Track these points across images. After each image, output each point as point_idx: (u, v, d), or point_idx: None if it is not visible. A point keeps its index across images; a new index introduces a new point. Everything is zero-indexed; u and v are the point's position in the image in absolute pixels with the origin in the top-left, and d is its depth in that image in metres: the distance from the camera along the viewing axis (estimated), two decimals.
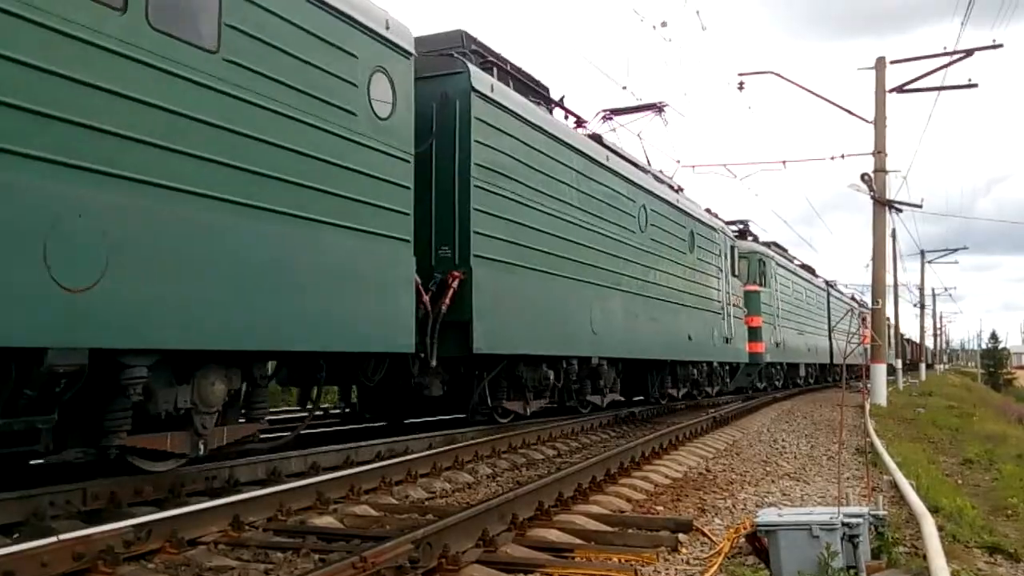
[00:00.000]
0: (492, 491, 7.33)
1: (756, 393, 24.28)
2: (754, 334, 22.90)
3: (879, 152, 21.46)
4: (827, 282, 39.61)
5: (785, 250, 31.13)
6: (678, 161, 21.02)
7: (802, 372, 31.38)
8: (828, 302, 35.80)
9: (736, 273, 24.87)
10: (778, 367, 26.87)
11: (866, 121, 21.72)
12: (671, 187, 18.99)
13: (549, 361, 11.53)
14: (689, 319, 17.45)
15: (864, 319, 45.30)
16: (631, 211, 14.27)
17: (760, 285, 24.34)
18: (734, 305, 22.13)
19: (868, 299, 50.74)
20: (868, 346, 23.66)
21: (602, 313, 12.59)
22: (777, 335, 25.26)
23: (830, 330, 34.77)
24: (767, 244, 27.10)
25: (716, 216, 21.31)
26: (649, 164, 17.47)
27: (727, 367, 21.62)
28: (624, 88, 23.78)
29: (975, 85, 20.96)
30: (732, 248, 22.97)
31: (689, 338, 17.70)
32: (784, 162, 26.96)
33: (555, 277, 11.18)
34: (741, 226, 25.28)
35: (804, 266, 35.02)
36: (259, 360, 7.04)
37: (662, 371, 16.62)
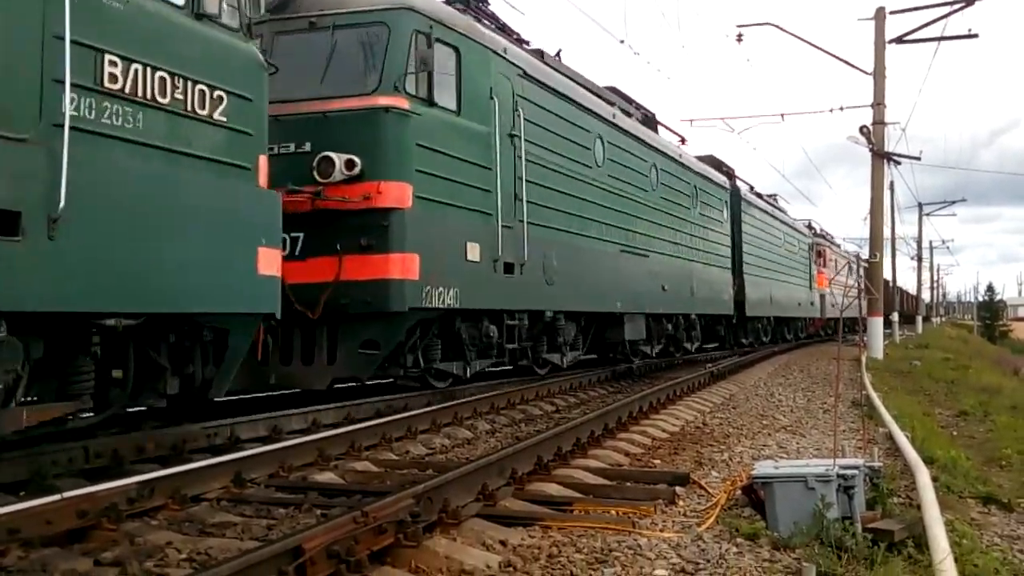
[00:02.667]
0: (491, 446, 7.39)
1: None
2: None
3: (878, 104, 21.32)
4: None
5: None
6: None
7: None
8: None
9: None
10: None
11: (865, 73, 21.56)
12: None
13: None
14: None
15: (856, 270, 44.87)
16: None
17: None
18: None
19: (864, 252, 50.91)
20: (857, 300, 23.64)
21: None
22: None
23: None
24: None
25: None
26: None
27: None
28: (622, 42, 23.43)
29: (975, 35, 20.75)
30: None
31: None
32: (782, 115, 26.56)
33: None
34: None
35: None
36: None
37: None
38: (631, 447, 7.22)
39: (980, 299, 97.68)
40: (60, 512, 4.20)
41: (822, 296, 33.85)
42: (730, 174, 22.57)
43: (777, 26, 21.66)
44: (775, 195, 30.06)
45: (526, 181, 10.37)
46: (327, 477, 5.81)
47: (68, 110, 4.60)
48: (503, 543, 4.22)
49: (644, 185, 14.91)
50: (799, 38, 22.10)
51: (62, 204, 4.51)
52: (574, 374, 12.69)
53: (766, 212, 25.74)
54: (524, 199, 10.28)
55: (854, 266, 43.43)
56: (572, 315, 12.26)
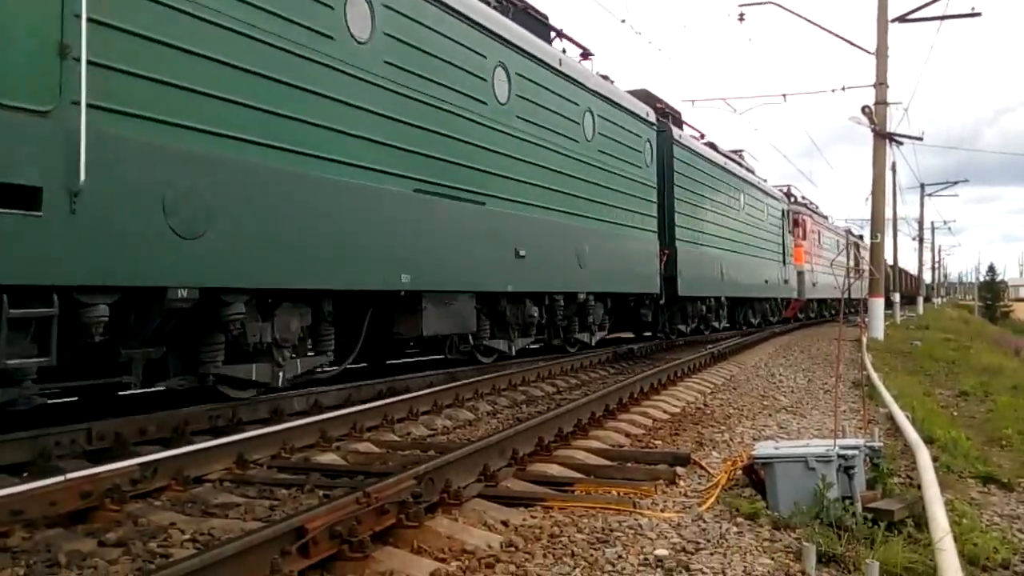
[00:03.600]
0: (493, 427, 7.41)
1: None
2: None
3: (880, 84, 21.22)
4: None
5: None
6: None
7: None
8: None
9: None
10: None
11: (868, 52, 21.44)
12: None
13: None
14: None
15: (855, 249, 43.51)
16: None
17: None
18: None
19: (858, 230, 50.74)
20: (854, 279, 23.84)
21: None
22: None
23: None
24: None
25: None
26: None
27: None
28: (623, 22, 23.26)
29: (978, 14, 20.62)
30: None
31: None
32: (784, 95, 26.46)
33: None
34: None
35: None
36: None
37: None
38: (632, 428, 7.24)
39: (981, 279, 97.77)
40: (63, 493, 4.22)
41: (800, 273, 29.85)
42: (668, 113, 17.63)
43: (779, 5, 21.52)
44: (741, 151, 25.48)
45: None
46: (329, 458, 5.83)
47: None
48: (505, 523, 4.24)
49: (472, 90, 9.77)
50: (801, 17, 21.98)
51: None
52: (576, 357, 12.70)
53: (716, 166, 19.98)
54: None
55: (840, 241, 39.54)
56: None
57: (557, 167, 11.77)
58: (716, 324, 20.85)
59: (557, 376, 11.17)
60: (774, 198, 26.85)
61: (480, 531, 4.08)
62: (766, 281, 24.66)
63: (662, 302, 16.20)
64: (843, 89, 24.43)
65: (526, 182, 10.84)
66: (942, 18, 21.11)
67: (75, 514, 4.25)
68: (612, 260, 13.48)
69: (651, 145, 15.59)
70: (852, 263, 42.38)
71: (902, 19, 21.26)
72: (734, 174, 21.77)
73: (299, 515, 3.52)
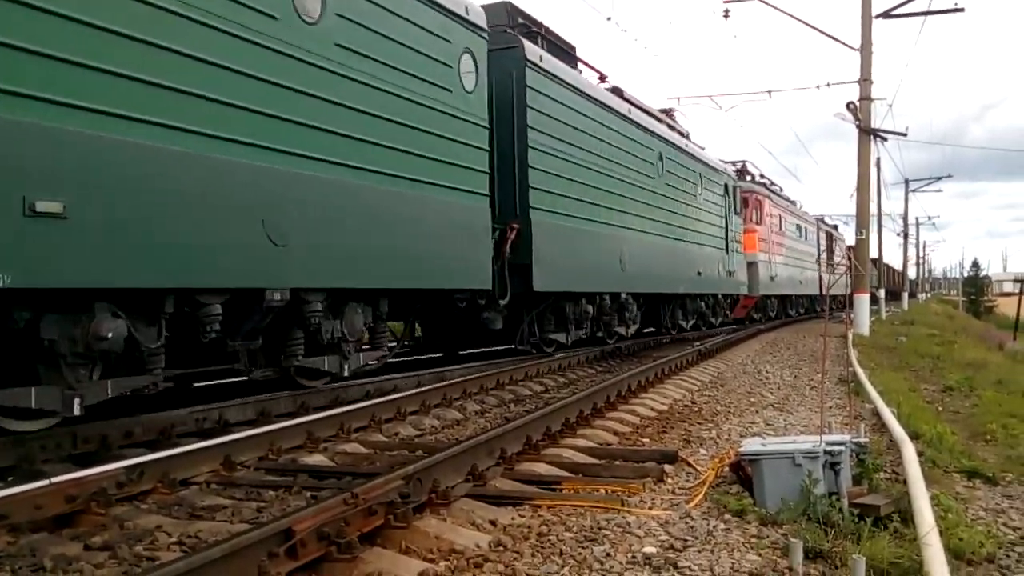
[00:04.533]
0: (481, 427, 7.41)
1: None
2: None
3: (865, 79, 21.34)
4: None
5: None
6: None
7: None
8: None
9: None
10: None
11: (852, 48, 21.55)
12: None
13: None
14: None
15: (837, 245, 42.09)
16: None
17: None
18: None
19: (841, 225, 50.28)
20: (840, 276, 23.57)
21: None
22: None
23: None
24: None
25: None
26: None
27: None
28: (608, 19, 23.33)
29: (961, 9, 20.75)
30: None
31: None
32: (770, 92, 26.51)
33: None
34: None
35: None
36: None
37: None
38: (620, 426, 7.25)
39: (965, 275, 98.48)
40: (49, 497, 4.20)
41: (753, 265, 24.63)
42: (538, 34, 12.49)
43: (764, 1, 21.58)
44: (671, 110, 20.50)
45: None
46: (317, 459, 5.81)
47: None
48: (493, 523, 4.24)
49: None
50: (786, 13, 22.04)
51: None
52: (564, 356, 12.72)
53: (612, 112, 14.24)
54: None
55: (810, 230, 36.93)
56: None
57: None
58: (622, 330, 15.32)
59: (545, 375, 11.18)
60: (714, 170, 20.97)
61: (468, 531, 4.07)
62: (699, 273, 18.70)
63: (504, 302, 10.90)
64: (828, 85, 24.57)
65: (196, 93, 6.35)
66: (926, 13, 21.25)
67: (60, 518, 4.22)
68: (416, 238, 8.74)
69: (475, 62, 10.07)
70: (826, 254, 40.65)
71: (886, 15, 21.38)
72: (648, 131, 15.97)
73: (287, 517, 3.51)
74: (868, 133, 21.49)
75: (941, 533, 3.96)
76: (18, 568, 3.56)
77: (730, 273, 21.85)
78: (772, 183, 30.95)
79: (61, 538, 4.01)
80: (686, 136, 19.70)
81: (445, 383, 8.96)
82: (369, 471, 5.17)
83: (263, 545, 3.24)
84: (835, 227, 48.02)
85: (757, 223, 25.86)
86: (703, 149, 20.92)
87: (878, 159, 39.31)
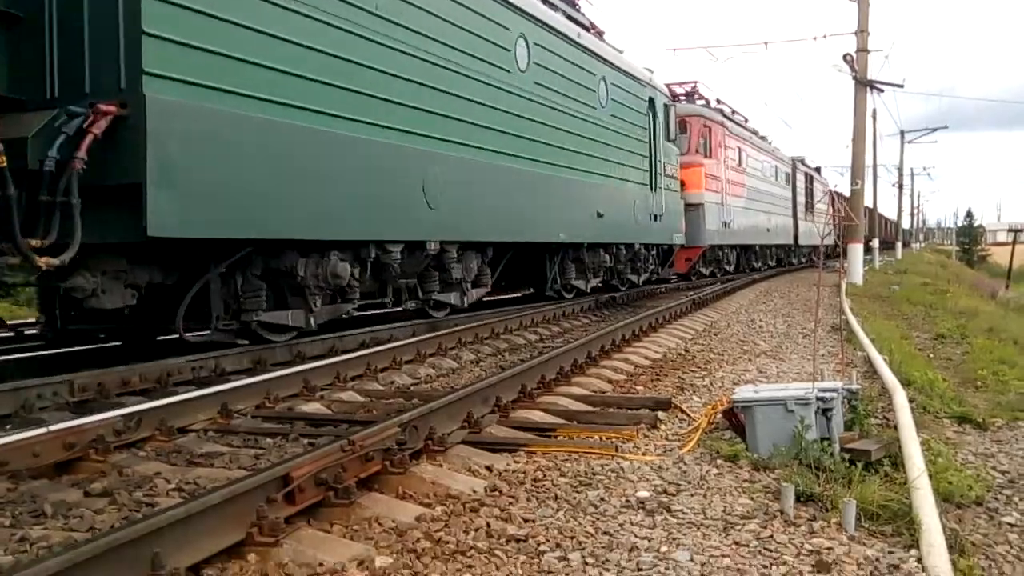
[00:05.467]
0: (476, 375, 7.45)
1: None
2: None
3: (862, 31, 21.15)
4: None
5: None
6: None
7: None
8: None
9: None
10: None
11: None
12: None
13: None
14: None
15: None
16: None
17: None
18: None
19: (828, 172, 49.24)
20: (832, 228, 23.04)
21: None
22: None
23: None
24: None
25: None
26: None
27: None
28: None
29: None
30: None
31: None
32: (766, 43, 26.38)
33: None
34: None
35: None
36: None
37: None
38: (614, 374, 7.30)
39: (959, 225, 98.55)
40: (47, 445, 4.23)
41: (698, 207, 19.64)
42: None
43: None
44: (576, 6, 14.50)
45: None
46: (313, 407, 5.85)
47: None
48: (489, 468, 4.28)
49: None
50: None
51: None
52: (559, 304, 12.75)
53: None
54: None
55: (782, 170, 31.55)
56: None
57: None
58: (450, 297, 10.73)
59: (540, 324, 11.21)
60: (630, 77, 15.70)
61: (464, 476, 4.12)
62: (599, 215, 13.80)
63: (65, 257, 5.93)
64: (824, 37, 24.29)
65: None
66: None
67: (59, 465, 4.26)
68: None
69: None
70: (804, 200, 36.30)
71: None
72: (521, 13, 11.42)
73: (284, 463, 3.54)
74: (864, 85, 21.34)
75: (931, 477, 4.03)
76: (19, 514, 3.60)
77: (655, 217, 16.56)
78: (735, 112, 25.21)
79: (61, 484, 4.04)
80: (588, 29, 14.50)
81: (440, 332, 8.99)
82: (366, 419, 5.21)
83: (261, 491, 3.27)
84: (817, 169, 43.26)
85: (705, 155, 20.76)
86: (621, 53, 15.62)
87: (874, 110, 39.03)
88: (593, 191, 13.65)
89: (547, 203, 12.14)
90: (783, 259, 33.62)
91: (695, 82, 22.69)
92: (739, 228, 23.64)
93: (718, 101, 23.88)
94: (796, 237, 34.50)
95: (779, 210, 30.71)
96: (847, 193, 27.52)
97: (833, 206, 41.73)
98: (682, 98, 21.65)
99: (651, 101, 16.87)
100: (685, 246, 19.14)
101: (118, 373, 6.08)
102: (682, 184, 18.90)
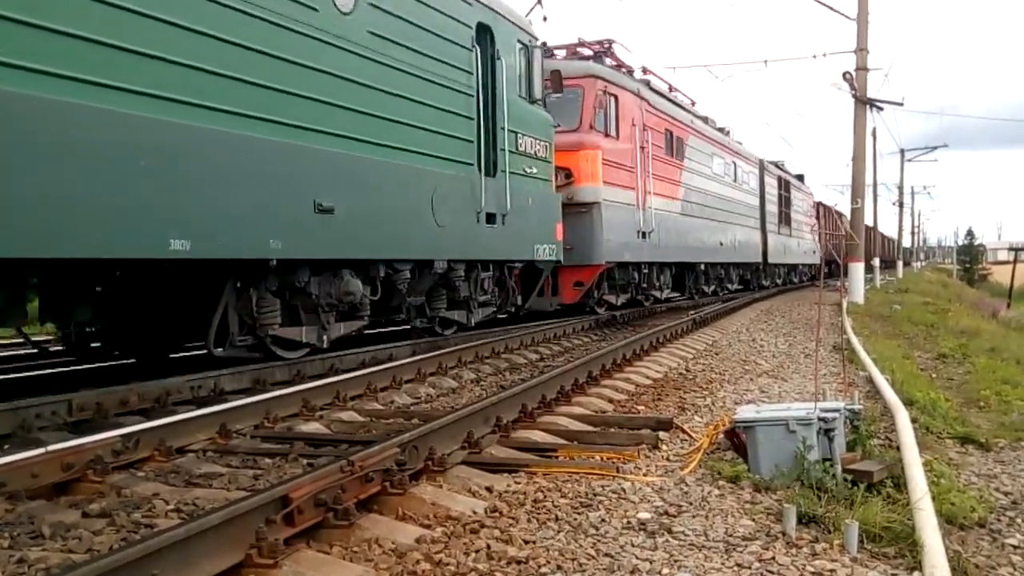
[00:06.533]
0: (476, 395, 7.43)
1: None
2: None
3: (861, 50, 21.25)
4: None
5: None
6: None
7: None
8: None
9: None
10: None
11: (849, 18, 21.43)
12: None
13: None
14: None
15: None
16: None
17: None
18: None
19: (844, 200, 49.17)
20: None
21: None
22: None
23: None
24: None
25: None
26: None
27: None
28: None
29: None
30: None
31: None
32: (766, 61, 26.52)
33: None
34: None
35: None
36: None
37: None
38: (615, 394, 7.28)
39: (960, 243, 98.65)
40: (45, 465, 4.21)
41: (589, 207, 13.67)
42: None
43: None
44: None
45: None
46: (313, 427, 5.83)
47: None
48: (489, 489, 4.26)
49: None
50: None
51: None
52: (559, 323, 12.74)
53: None
54: None
55: (745, 169, 24.99)
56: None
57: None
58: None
59: (540, 343, 11.20)
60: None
61: (465, 497, 4.10)
62: (321, 209, 7.67)
63: None
64: (824, 55, 24.39)
65: None
66: None
67: (58, 486, 4.24)
68: None
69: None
70: (777, 210, 29.87)
71: None
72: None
73: (283, 484, 3.52)
74: (864, 103, 21.42)
75: (933, 498, 4.00)
76: (17, 535, 3.58)
77: (493, 218, 10.59)
78: (674, 89, 19.52)
79: (59, 505, 4.02)
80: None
81: (440, 352, 8.97)
82: (365, 439, 5.18)
83: (260, 512, 3.25)
84: (800, 177, 36.54)
85: (607, 134, 14.47)
86: None
87: (874, 129, 39.08)
88: (318, 167, 7.69)
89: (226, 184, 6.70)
90: (750, 281, 27.26)
91: (610, 41, 16.08)
92: (670, 241, 17.35)
93: (645, 71, 18.00)
94: (765, 254, 27.89)
95: (740, 220, 24.23)
96: (847, 211, 26.31)
97: (819, 219, 38.92)
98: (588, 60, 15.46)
99: (483, 31, 10.53)
100: (563, 264, 12.83)
101: (117, 393, 6.07)
102: (567, 174, 13.33)
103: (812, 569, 3.32)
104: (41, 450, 4.29)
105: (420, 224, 9.23)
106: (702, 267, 20.84)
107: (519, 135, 11.31)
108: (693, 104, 21.39)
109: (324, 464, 3.95)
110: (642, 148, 15.98)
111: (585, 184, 13.77)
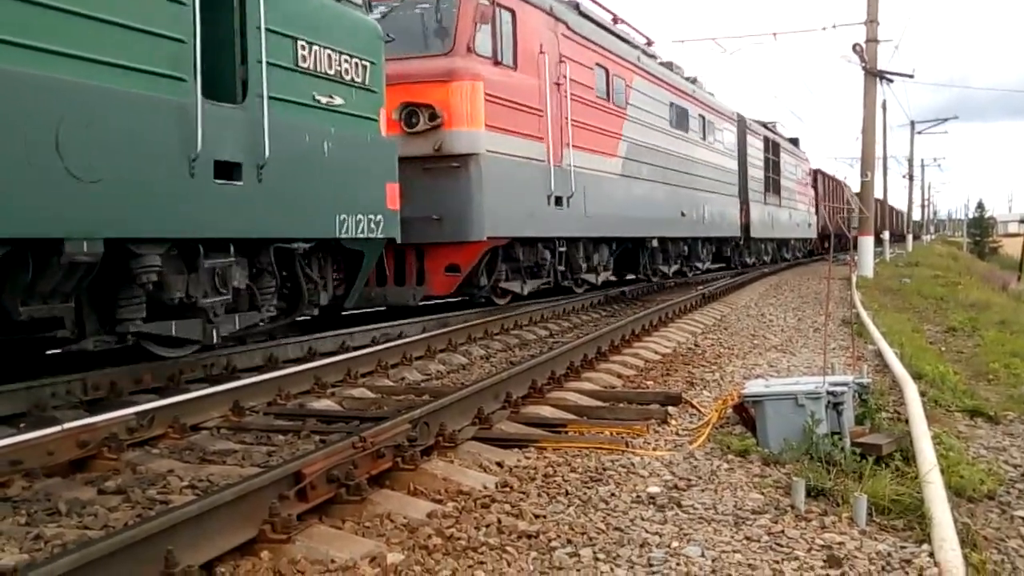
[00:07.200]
0: (486, 371, 7.46)
1: None
2: None
3: (871, 21, 21.05)
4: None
5: None
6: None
7: None
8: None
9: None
10: None
11: None
12: None
13: None
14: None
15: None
16: None
17: None
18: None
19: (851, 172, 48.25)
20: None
21: None
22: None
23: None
24: None
25: None
26: None
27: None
28: None
29: None
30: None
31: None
32: (775, 34, 26.11)
33: None
34: None
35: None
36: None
37: None
38: (624, 369, 7.30)
39: (970, 216, 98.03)
40: (61, 443, 4.26)
41: (463, 162, 9.64)
42: None
43: None
44: None
45: None
46: (324, 404, 5.87)
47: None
48: (499, 464, 4.29)
49: None
50: None
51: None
52: (568, 299, 12.75)
53: None
54: None
55: (726, 126, 21.38)
56: None
57: None
58: None
59: (549, 319, 11.21)
60: None
61: (476, 472, 4.13)
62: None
63: None
64: (834, 27, 24.08)
65: None
66: None
67: (74, 463, 4.29)
68: None
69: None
70: (763, 176, 25.48)
71: None
72: None
73: (296, 460, 3.56)
74: (874, 75, 21.25)
75: (942, 471, 4.02)
76: (34, 512, 3.63)
77: (229, 171, 6.23)
78: (620, 20, 15.78)
79: (75, 483, 4.07)
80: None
81: (450, 328, 9.00)
82: (377, 415, 5.22)
83: (274, 488, 3.29)
84: (794, 141, 32.61)
85: (496, 60, 10.38)
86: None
87: (884, 101, 38.69)
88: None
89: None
90: (730, 258, 23.54)
91: None
92: (603, 210, 13.36)
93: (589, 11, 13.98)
94: (747, 227, 23.45)
95: (711, 186, 19.88)
96: (856, 185, 25.32)
97: (817, 188, 35.78)
98: None
99: None
100: (431, 242, 9.77)
101: (131, 371, 6.12)
102: (431, 114, 9.62)
103: (821, 542, 3.35)
104: (57, 428, 4.34)
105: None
106: (654, 243, 16.50)
107: (301, 42, 6.98)
108: (650, 44, 17.35)
109: (336, 440, 3.98)
110: (557, 85, 11.79)
111: (458, 128, 9.72)
